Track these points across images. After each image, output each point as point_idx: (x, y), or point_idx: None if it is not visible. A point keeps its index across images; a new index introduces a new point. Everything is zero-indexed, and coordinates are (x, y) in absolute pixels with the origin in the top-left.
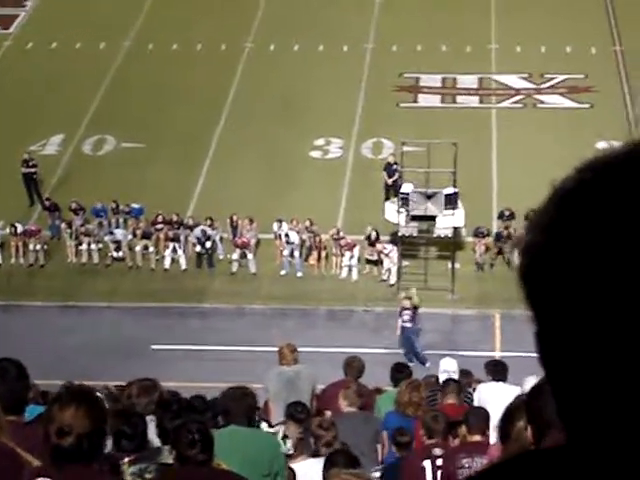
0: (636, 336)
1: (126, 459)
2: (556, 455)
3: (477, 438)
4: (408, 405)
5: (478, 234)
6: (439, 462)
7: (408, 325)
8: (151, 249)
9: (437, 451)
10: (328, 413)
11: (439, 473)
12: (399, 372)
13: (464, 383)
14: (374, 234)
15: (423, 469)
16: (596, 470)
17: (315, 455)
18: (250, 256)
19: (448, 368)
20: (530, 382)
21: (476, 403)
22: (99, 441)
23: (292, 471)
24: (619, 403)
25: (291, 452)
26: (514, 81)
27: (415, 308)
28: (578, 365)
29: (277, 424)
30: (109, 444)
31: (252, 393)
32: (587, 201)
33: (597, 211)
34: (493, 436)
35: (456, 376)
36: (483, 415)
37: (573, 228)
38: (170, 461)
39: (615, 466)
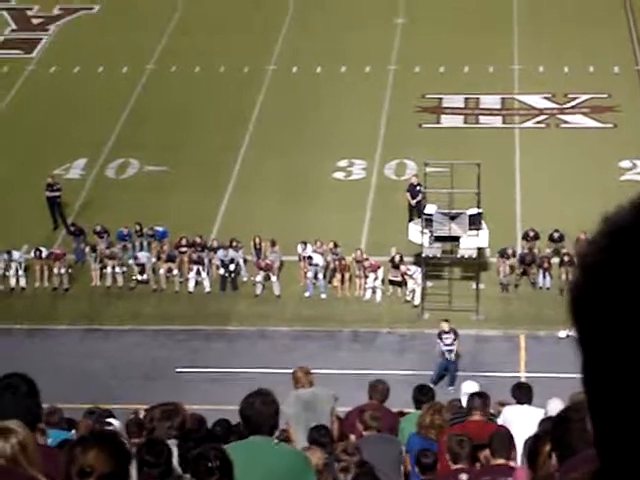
0: None
1: None
2: None
3: (501, 461)
4: (430, 428)
5: (503, 255)
6: None
7: (451, 348)
8: (175, 272)
9: (464, 477)
10: (352, 437)
11: None
12: (422, 394)
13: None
14: (398, 257)
15: None
16: None
17: None
18: (274, 278)
19: (469, 390)
20: (553, 404)
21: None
22: None
23: None
24: None
25: None
26: (537, 101)
27: (455, 330)
28: (621, 396)
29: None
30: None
31: (274, 400)
32: None
33: None
34: (518, 459)
35: None
36: (507, 438)
37: (629, 266)
38: None
39: None
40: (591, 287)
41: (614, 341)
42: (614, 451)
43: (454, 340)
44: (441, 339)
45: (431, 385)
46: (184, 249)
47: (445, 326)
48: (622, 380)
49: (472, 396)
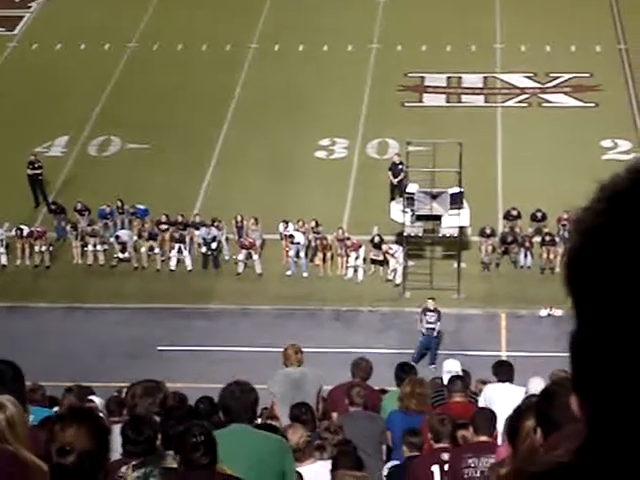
0: None
1: (131, 463)
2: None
3: (483, 438)
4: (410, 397)
5: (483, 234)
6: (447, 467)
7: (434, 326)
8: (157, 250)
9: (445, 456)
10: (335, 415)
11: (446, 478)
12: (404, 372)
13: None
14: (377, 238)
15: (432, 474)
16: (615, 473)
17: (322, 458)
18: (256, 257)
19: (452, 369)
20: (534, 382)
21: (482, 403)
22: (101, 459)
23: (299, 475)
24: None
25: None
26: (519, 80)
27: (439, 311)
28: (612, 365)
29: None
30: (118, 449)
31: (252, 389)
32: None
33: None
34: (499, 436)
35: None
36: (489, 416)
37: (627, 230)
38: (174, 466)
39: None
40: (588, 251)
41: (611, 305)
42: (601, 421)
43: (437, 319)
44: (425, 316)
45: (413, 363)
46: (165, 227)
47: (431, 304)
48: (617, 344)
49: (453, 379)
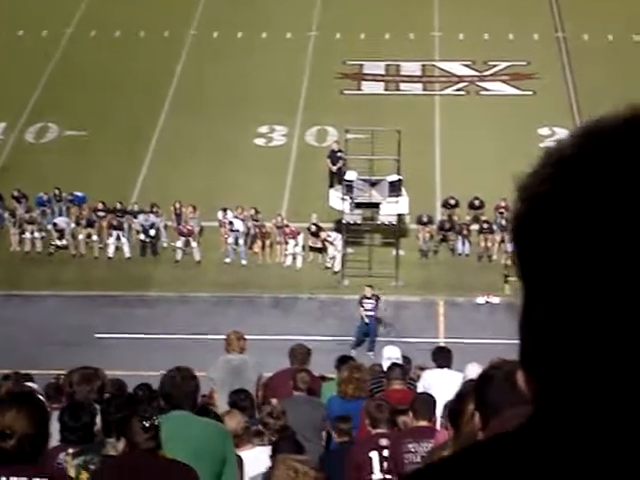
0: (628, 314)
1: (70, 450)
2: (522, 436)
3: (423, 423)
4: (348, 382)
5: (420, 222)
6: (386, 453)
7: (371, 313)
8: (95, 237)
9: (384, 441)
10: (274, 401)
11: (386, 464)
12: (343, 363)
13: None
14: (314, 227)
15: (370, 460)
16: (563, 446)
17: (262, 444)
18: (194, 244)
19: (391, 355)
20: (471, 369)
21: (421, 389)
22: (41, 442)
23: (239, 458)
24: (600, 376)
25: None
26: (457, 68)
27: (377, 297)
28: (560, 336)
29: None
30: (56, 436)
31: (193, 376)
32: (589, 168)
33: (600, 179)
34: (438, 422)
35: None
36: (429, 401)
37: (574, 195)
38: (113, 453)
39: (584, 442)
40: (535, 217)
41: (558, 274)
42: (549, 396)
43: (375, 306)
44: (362, 304)
45: (352, 352)
46: (102, 214)
47: (368, 292)
48: (565, 313)
49: (392, 366)
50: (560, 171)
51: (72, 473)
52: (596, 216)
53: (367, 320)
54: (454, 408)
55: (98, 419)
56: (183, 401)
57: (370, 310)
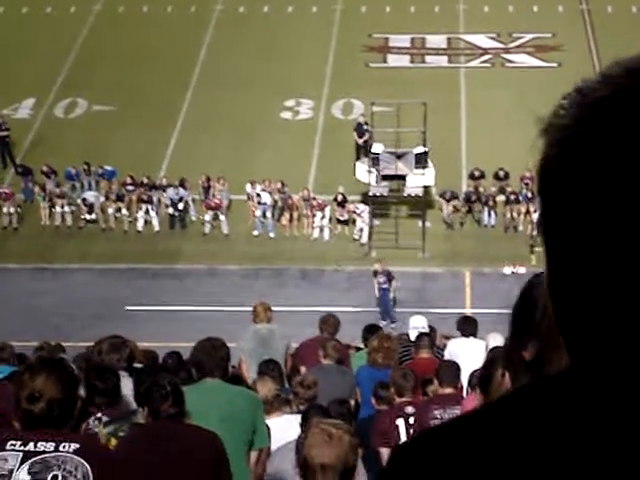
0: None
1: (104, 418)
2: (558, 382)
3: (448, 390)
4: (377, 351)
5: (444, 197)
6: (412, 420)
7: (385, 286)
8: (124, 211)
9: (410, 409)
10: (303, 369)
11: (412, 431)
12: (371, 333)
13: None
14: (341, 197)
15: (397, 427)
16: (601, 392)
17: (290, 412)
18: (222, 217)
19: (417, 325)
20: (493, 338)
21: (447, 357)
22: (70, 407)
23: (267, 427)
24: (624, 316)
25: None
26: (482, 40)
27: (389, 272)
28: (591, 288)
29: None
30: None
31: (224, 344)
32: (626, 109)
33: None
34: (464, 390)
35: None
36: (454, 369)
37: (608, 139)
38: (143, 422)
39: (621, 388)
40: (563, 161)
41: (586, 223)
42: (581, 355)
43: (387, 280)
44: (376, 278)
45: (382, 323)
46: (131, 188)
47: (378, 267)
48: (591, 262)
49: (420, 335)
50: (593, 114)
51: (103, 440)
52: (631, 163)
53: (383, 294)
54: (485, 373)
55: (124, 383)
56: (214, 369)
57: (383, 283)
